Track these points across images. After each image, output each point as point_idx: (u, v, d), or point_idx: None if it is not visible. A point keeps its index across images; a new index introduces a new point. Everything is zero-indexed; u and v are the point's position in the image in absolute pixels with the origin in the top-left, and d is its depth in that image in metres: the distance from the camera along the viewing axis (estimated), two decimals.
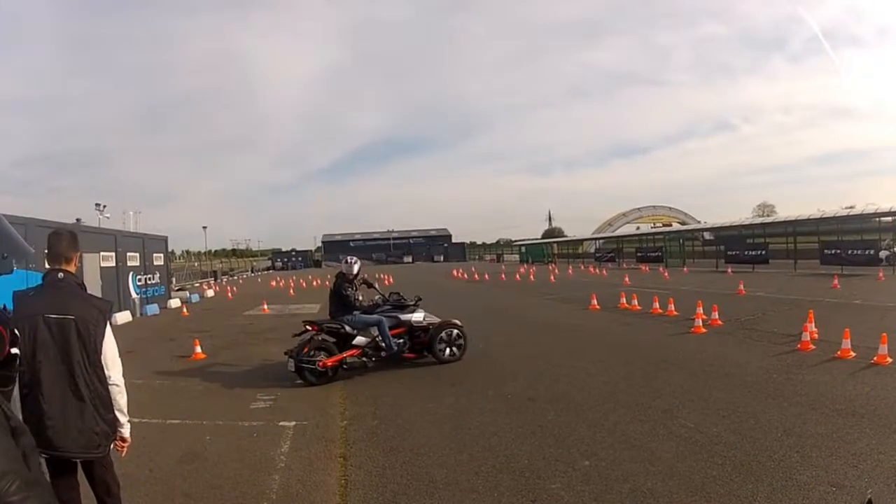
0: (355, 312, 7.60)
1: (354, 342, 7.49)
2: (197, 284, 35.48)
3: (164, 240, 23.04)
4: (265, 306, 18.43)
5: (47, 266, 2.63)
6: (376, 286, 8.47)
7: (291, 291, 25.28)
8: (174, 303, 21.61)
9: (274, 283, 33.79)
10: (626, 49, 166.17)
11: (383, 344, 7.58)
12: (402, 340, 7.82)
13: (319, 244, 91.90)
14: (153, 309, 19.31)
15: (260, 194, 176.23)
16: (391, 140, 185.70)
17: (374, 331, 7.60)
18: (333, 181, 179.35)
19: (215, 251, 59.51)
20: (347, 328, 7.49)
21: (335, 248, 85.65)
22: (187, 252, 44.49)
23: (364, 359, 7.51)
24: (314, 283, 31.45)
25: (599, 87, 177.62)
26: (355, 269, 7.84)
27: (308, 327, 7.53)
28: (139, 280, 19.59)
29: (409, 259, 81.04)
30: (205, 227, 51.15)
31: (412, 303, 8.24)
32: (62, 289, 2.61)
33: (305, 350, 7.10)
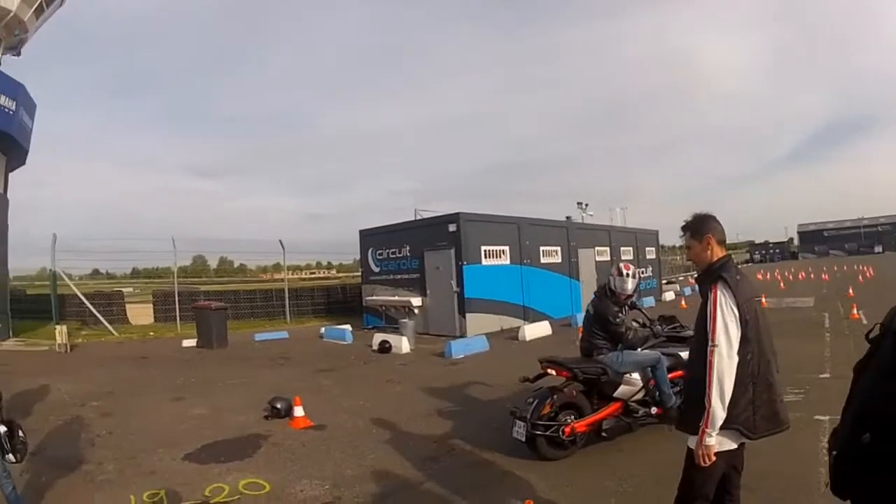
0: (620, 348, 5.06)
1: (617, 393, 5.04)
2: (681, 278, 36.15)
3: (655, 234, 23.60)
4: (763, 299, 16.07)
5: (718, 252, 2.64)
6: (642, 307, 5.89)
7: (781, 284, 24.33)
8: (668, 296, 21.89)
9: (759, 276, 32.35)
10: None
11: (657, 395, 5.07)
12: (677, 388, 5.11)
13: (791, 235, 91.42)
14: (648, 301, 19.67)
15: (720, 186, 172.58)
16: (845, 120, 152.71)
17: (640, 376, 5.09)
18: (796, 168, 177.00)
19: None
20: (611, 373, 4.98)
21: (810, 238, 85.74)
22: (661, 247, 45.01)
23: (628, 419, 5.02)
24: (799, 275, 30.66)
25: None
26: (630, 285, 5.23)
27: (551, 371, 5.05)
28: None
29: (879, 248, 74.49)
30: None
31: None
32: (742, 272, 2.65)
33: (546, 410, 4.73)
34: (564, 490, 4.10)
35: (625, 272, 5.23)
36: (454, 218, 13.96)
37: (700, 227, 2.65)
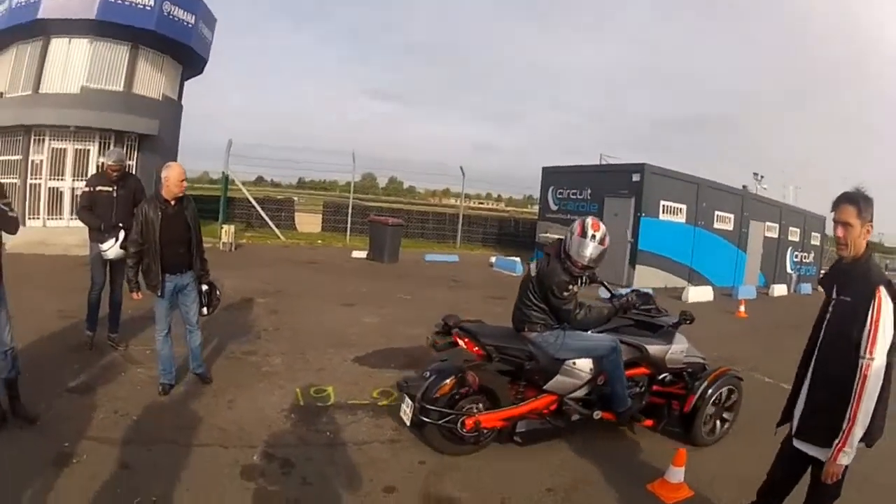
0: (563, 328, 3.70)
1: (550, 384, 3.69)
2: None
3: (823, 220, 21.94)
4: None
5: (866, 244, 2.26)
6: (604, 282, 4.49)
7: None
8: None
9: None
10: None
11: (608, 393, 3.76)
12: (639, 389, 3.94)
13: None
14: (806, 288, 18.56)
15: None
16: None
17: (590, 367, 3.73)
18: None
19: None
20: (541, 359, 3.67)
21: None
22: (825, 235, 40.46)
23: (557, 422, 3.75)
24: None
25: None
26: (590, 250, 3.61)
27: (462, 341, 3.76)
28: (795, 256, 19.29)
29: None
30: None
31: (673, 320, 4.06)
32: None
33: (444, 391, 3.51)
34: None
35: (590, 232, 3.61)
36: (639, 168, 13.71)
37: (868, 207, 2.18)
